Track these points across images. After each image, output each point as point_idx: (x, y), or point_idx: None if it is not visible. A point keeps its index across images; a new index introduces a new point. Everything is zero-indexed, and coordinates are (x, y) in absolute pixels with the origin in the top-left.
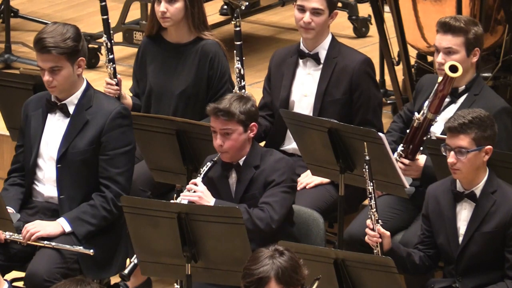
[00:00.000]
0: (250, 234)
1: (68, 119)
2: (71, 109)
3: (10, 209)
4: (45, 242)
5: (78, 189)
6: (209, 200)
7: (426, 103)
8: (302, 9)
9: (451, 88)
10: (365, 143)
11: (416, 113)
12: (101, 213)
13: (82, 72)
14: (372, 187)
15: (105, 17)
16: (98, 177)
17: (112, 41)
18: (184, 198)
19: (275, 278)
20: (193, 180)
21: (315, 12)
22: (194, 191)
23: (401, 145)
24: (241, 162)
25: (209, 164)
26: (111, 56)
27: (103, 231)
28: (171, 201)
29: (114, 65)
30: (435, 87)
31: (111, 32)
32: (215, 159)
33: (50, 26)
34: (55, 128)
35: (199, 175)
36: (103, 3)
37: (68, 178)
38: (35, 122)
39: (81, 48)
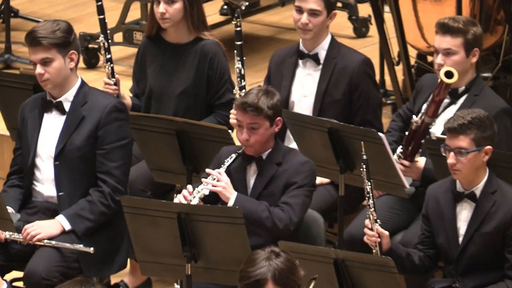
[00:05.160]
0: (268, 232)
1: (64, 116)
2: (66, 107)
3: (10, 209)
4: (45, 241)
5: (77, 186)
6: (231, 192)
7: (424, 106)
8: (299, 10)
9: (451, 89)
10: (362, 142)
11: (414, 116)
12: (99, 208)
13: (76, 69)
14: (370, 186)
15: (102, 17)
16: (95, 172)
17: (110, 41)
18: (206, 187)
19: (272, 280)
20: (217, 170)
21: (313, 13)
22: (218, 181)
23: (400, 146)
24: (263, 156)
25: (233, 155)
26: (108, 56)
27: (104, 229)
28: (175, 199)
29: (112, 65)
30: (433, 92)
31: (108, 31)
32: (240, 151)
33: (42, 22)
34: (51, 127)
35: (222, 165)
36: (99, 3)
37: (67, 175)
38: (31, 123)
39: (72, 41)
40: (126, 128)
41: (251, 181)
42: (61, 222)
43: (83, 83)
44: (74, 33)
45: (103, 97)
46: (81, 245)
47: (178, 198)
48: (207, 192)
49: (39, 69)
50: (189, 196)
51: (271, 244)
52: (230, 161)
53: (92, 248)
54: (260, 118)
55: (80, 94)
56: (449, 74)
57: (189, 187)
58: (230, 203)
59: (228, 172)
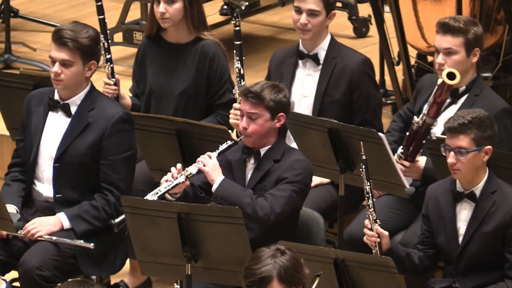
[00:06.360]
0: (248, 219)
1: (70, 119)
2: (73, 110)
3: (13, 207)
4: (46, 236)
5: (75, 190)
6: (218, 175)
7: (425, 106)
8: (298, 11)
9: (452, 89)
10: (361, 142)
11: (415, 117)
12: (102, 215)
13: (91, 77)
14: (369, 186)
15: (102, 17)
16: (97, 180)
17: (110, 41)
18: (196, 166)
19: (278, 278)
20: (208, 153)
21: (312, 13)
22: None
23: (401, 147)
24: (262, 151)
25: (229, 142)
26: (108, 56)
27: (103, 229)
28: (163, 178)
29: (111, 65)
30: (433, 92)
31: (108, 31)
32: (237, 140)
33: (72, 23)
34: (55, 127)
35: (216, 150)
36: (99, 3)
37: (65, 179)
38: (36, 118)
39: (97, 52)
40: (131, 139)
41: (249, 174)
42: (61, 220)
43: (92, 88)
44: (100, 45)
45: (110, 106)
46: (81, 241)
47: (167, 176)
48: (194, 171)
49: (56, 68)
50: (176, 173)
51: (262, 238)
52: (225, 146)
53: (92, 244)
54: (260, 108)
55: (88, 99)
56: (451, 75)
57: (178, 165)
58: (215, 185)
59: (228, 164)
